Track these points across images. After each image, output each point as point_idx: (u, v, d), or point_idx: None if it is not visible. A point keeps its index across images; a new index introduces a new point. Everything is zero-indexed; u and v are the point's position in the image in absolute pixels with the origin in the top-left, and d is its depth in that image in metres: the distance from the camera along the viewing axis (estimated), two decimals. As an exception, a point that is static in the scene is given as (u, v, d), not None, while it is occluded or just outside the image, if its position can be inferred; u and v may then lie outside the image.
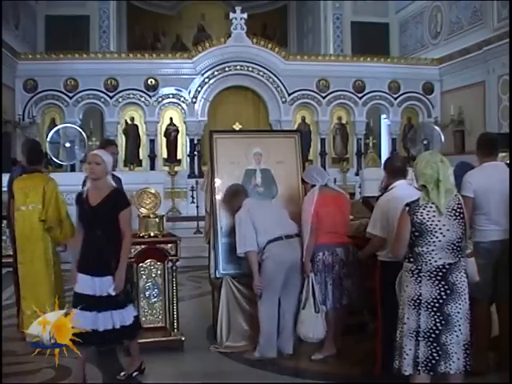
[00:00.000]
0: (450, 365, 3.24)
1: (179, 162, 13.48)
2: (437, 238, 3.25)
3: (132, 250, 4.72)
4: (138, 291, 4.80)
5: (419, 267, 3.29)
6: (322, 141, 13.94)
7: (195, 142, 13.31)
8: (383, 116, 14.73)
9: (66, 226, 5.08)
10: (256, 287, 4.54)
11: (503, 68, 11.25)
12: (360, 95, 14.02)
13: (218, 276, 4.98)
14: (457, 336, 3.25)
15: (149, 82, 13.21)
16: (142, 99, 13.25)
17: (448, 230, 3.26)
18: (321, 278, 4.52)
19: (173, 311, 4.87)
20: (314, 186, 4.67)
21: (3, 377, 3.85)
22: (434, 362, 3.24)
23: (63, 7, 14.90)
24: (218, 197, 5.14)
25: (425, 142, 13.68)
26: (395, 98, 14.20)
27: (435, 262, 3.26)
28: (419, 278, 3.28)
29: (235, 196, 4.85)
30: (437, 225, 3.26)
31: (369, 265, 4.33)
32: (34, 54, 13.50)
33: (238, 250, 4.56)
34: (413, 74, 14.11)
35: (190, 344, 4.83)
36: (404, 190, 4.03)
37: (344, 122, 14.23)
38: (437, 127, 13.65)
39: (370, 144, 13.87)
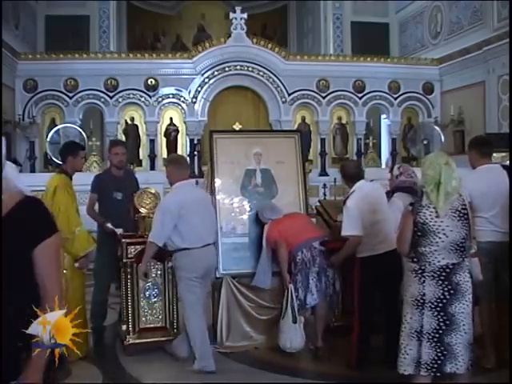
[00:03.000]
0: (456, 365, 3.25)
1: (179, 161, 13.45)
2: (440, 238, 3.26)
3: (132, 250, 4.72)
4: (138, 291, 4.81)
5: (423, 267, 3.29)
6: (322, 141, 13.93)
7: (195, 142, 13.30)
8: (383, 116, 14.73)
9: (78, 238, 4.46)
10: (141, 274, 4.52)
11: (503, 68, 11.25)
12: (360, 95, 14.01)
13: (218, 276, 4.98)
14: (461, 336, 3.26)
15: (149, 82, 13.21)
16: (142, 99, 13.25)
17: (451, 230, 3.26)
18: (301, 276, 4.57)
19: (173, 311, 4.87)
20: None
21: (3, 377, 3.85)
22: (439, 362, 3.24)
23: (63, 7, 14.90)
24: (219, 197, 5.15)
25: (425, 142, 13.70)
26: (395, 98, 14.20)
27: (438, 262, 3.27)
28: (423, 278, 3.28)
29: (177, 164, 4.56)
30: (440, 225, 3.26)
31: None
32: (34, 54, 13.49)
33: (151, 237, 4.34)
34: (413, 73, 14.10)
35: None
36: (365, 188, 4.39)
37: (344, 122, 14.23)
38: (437, 127, 13.65)
39: (370, 144, 13.87)
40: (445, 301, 3.25)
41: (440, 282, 3.26)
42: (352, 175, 4.47)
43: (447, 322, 3.25)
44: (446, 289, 3.25)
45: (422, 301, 3.27)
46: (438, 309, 3.25)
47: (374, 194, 4.39)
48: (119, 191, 5.21)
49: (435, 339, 3.24)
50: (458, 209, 3.30)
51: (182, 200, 4.32)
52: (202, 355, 4.33)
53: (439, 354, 3.24)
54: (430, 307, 3.26)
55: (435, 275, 3.26)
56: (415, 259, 3.34)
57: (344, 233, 4.27)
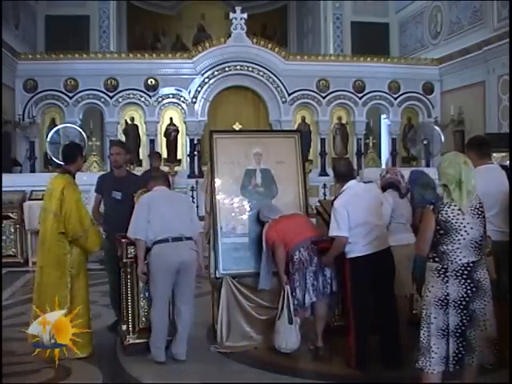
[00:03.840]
0: (473, 358, 3.31)
1: (179, 161, 13.48)
2: (461, 235, 3.29)
3: (132, 251, 4.72)
4: (138, 291, 4.80)
5: (445, 266, 3.31)
6: (322, 141, 13.94)
7: (195, 142, 13.31)
8: (383, 116, 14.73)
9: (91, 234, 4.63)
10: (140, 274, 4.58)
11: (503, 68, 11.25)
12: (360, 95, 14.02)
13: (218, 276, 4.98)
14: (481, 330, 3.31)
15: (149, 81, 13.22)
16: (142, 99, 13.26)
17: (472, 228, 3.30)
18: (299, 275, 4.56)
19: (172, 311, 4.86)
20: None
21: (3, 377, 3.86)
22: (460, 356, 3.29)
23: (63, 7, 14.91)
24: (219, 197, 5.15)
25: (425, 142, 13.70)
26: (395, 98, 14.20)
27: (460, 260, 3.29)
28: (446, 278, 3.30)
29: (154, 178, 4.81)
30: (461, 223, 3.29)
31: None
32: (34, 54, 13.50)
33: (128, 232, 4.53)
34: (413, 73, 14.11)
35: (190, 344, 4.82)
36: (355, 188, 4.38)
37: (344, 122, 14.24)
38: (437, 127, 13.66)
39: (370, 144, 13.87)
40: (468, 299, 3.29)
41: (463, 280, 3.28)
42: (342, 174, 4.45)
43: (468, 319, 3.29)
44: (468, 287, 3.29)
45: (446, 301, 3.30)
46: (462, 307, 3.29)
47: (366, 195, 4.38)
48: (119, 191, 5.25)
49: (458, 335, 3.29)
50: (476, 207, 3.34)
51: (153, 195, 4.62)
52: (153, 345, 4.51)
53: (461, 349, 3.29)
54: (454, 306, 3.29)
55: (458, 274, 3.29)
56: (436, 258, 3.35)
57: (330, 233, 4.31)
